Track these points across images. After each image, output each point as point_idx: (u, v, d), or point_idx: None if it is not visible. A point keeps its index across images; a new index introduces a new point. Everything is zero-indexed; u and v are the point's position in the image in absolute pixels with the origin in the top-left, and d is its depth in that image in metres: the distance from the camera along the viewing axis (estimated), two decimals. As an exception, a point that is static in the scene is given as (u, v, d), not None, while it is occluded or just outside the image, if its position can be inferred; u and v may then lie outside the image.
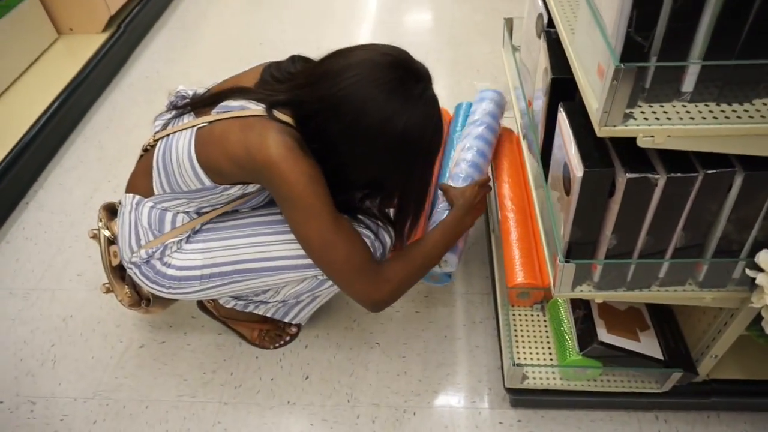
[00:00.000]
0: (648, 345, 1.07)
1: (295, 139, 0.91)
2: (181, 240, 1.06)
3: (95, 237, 1.18)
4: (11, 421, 1.26)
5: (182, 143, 0.96)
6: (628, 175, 0.72)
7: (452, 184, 1.23)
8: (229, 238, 1.06)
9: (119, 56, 2.38)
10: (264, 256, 1.06)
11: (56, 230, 1.70)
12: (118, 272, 1.19)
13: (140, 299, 1.20)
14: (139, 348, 1.39)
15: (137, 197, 1.06)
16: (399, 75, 0.89)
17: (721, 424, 1.17)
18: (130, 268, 1.09)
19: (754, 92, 0.68)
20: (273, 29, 2.62)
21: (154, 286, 1.09)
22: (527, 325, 1.24)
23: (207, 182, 0.96)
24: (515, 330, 1.23)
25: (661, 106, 0.69)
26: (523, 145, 1.17)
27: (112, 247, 1.16)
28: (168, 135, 1.00)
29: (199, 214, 1.06)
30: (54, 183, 1.87)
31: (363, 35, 2.57)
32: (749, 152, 0.69)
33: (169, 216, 1.04)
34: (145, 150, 1.09)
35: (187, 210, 1.04)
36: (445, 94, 2.13)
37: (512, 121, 1.48)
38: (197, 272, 1.06)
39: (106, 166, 1.93)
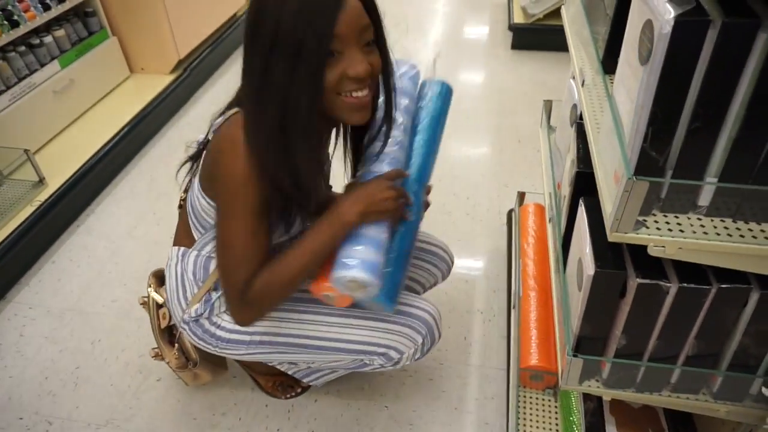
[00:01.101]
0: (661, 449, 1.03)
1: (237, 126, 0.85)
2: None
3: (145, 304, 1.22)
4: (27, 438, 1.31)
5: (196, 179, 1.00)
6: (639, 280, 0.73)
7: None
8: (283, 309, 1.07)
9: (181, 97, 2.55)
10: (317, 335, 1.07)
11: (99, 255, 1.80)
12: (167, 336, 1.22)
13: (188, 361, 1.21)
14: (156, 381, 1.43)
15: (182, 248, 1.10)
16: None
17: None
18: (180, 325, 1.12)
19: (773, 213, 0.68)
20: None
21: (202, 343, 1.11)
22: (537, 409, 1.21)
23: (213, 204, 0.97)
24: (524, 413, 1.20)
25: (676, 217, 0.69)
26: (548, 227, 1.18)
27: (162, 310, 1.19)
28: (190, 182, 1.06)
29: None
30: (105, 210, 1.99)
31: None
32: (765, 272, 0.68)
33: (213, 262, 1.07)
34: (180, 206, 1.15)
35: None
36: (490, 159, 2.16)
37: (543, 196, 1.50)
38: (246, 337, 1.08)
39: (152, 199, 2.04)
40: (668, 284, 0.72)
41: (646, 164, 0.65)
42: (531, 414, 1.20)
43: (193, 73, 2.58)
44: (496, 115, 2.48)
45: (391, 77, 0.93)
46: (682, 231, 0.68)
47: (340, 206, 0.91)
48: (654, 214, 0.70)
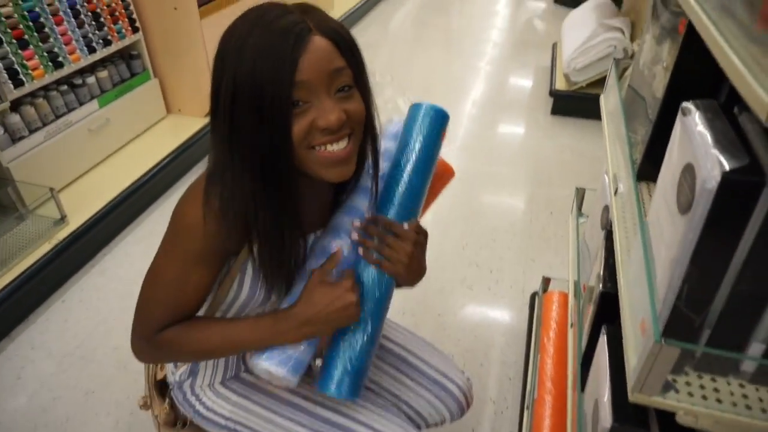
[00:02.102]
0: None
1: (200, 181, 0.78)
2: (215, 377, 1.03)
3: (144, 403, 1.16)
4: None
5: None
6: (665, 446, 0.63)
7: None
8: (265, 407, 1.00)
9: (214, 139, 2.56)
10: None
11: (109, 298, 1.78)
12: (160, 387, 1.15)
13: (176, 420, 1.14)
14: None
15: None
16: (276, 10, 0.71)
17: None
18: (170, 382, 1.07)
19: (831, 389, 0.57)
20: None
21: (182, 408, 1.06)
22: None
23: None
24: None
25: (713, 381, 0.60)
26: (570, 333, 1.08)
27: None
28: None
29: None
30: (122, 251, 1.98)
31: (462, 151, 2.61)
32: (818, 458, 0.58)
33: None
34: None
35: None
36: (519, 231, 2.07)
37: (566, 283, 1.40)
38: (222, 420, 1.02)
39: (172, 242, 2.02)
40: (699, 455, 0.62)
41: (679, 323, 0.56)
42: None
43: (228, 117, 2.60)
44: (530, 184, 2.40)
45: (372, 126, 0.82)
46: (719, 401, 0.58)
47: (290, 314, 0.81)
48: (686, 373, 0.60)
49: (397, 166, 0.85)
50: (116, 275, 1.87)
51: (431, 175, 0.88)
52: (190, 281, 0.83)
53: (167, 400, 1.12)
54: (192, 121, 2.49)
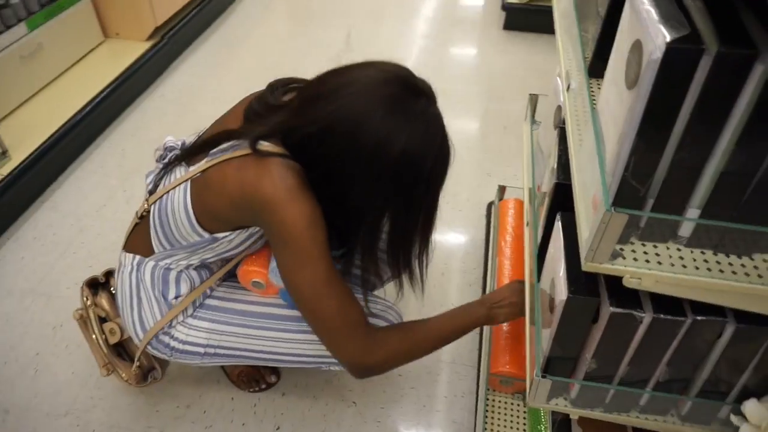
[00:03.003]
0: (627, 462, 1.02)
1: (296, 174, 0.86)
2: (184, 313, 1.05)
3: (82, 318, 1.15)
4: (-17, 426, 1.27)
5: (177, 198, 0.94)
6: (612, 309, 0.69)
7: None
8: (237, 324, 1.04)
9: (158, 66, 2.44)
10: (274, 350, 1.05)
11: (65, 234, 1.73)
12: (114, 350, 1.16)
13: (146, 374, 1.16)
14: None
15: (137, 257, 1.04)
16: (397, 90, 0.82)
17: None
18: (135, 337, 1.07)
19: (755, 246, 0.64)
20: (312, 58, 2.66)
21: (156, 352, 1.08)
22: (505, 414, 1.20)
23: (205, 235, 0.95)
24: (492, 416, 1.19)
25: (655, 247, 0.66)
26: (526, 231, 1.15)
27: (107, 325, 1.13)
28: (161, 196, 0.98)
29: (203, 265, 1.05)
30: (72, 185, 1.91)
31: (397, 75, 2.58)
32: (744, 308, 0.66)
33: (172, 275, 1.02)
34: (141, 217, 1.04)
35: (190, 263, 1.02)
36: (474, 146, 2.11)
37: (522, 191, 1.46)
38: (200, 349, 1.05)
39: (123, 175, 1.96)
40: (642, 314, 0.69)
41: (627, 193, 0.61)
42: (499, 417, 1.19)
43: (171, 41, 2.47)
44: (484, 99, 2.42)
45: None
46: (660, 263, 0.64)
47: (494, 299, 1.05)
48: (632, 242, 0.66)
49: None
50: (69, 210, 1.82)
51: None
52: (335, 270, 0.89)
53: (137, 361, 1.12)
54: (132, 45, 2.35)
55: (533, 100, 1.37)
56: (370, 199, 0.87)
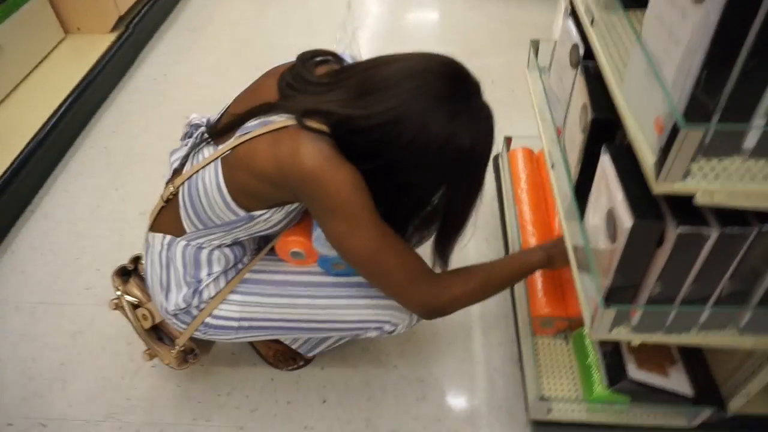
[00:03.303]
0: (677, 380, 1.06)
1: (330, 145, 0.85)
2: (217, 287, 1.03)
3: (118, 307, 1.14)
4: (22, 444, 1.23)
5: (208, 178, 0.91)
6: (680, 230, 0.71)
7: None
8: (270, 295, 1.03)
9: (127, 58, 2.33)
10: (308, 319, 1.04)
11: (63, 241, 1.67)
12: (154, 334, 1.15)
13: (188, 355, 1.16)
14: (151, 368, 1.36)
15: (168, 237, 1.00)
16: (459, 87, 0.86)
17: (743, 458, 1.17)
18: (168, 317, 1.06)
19: (816, 150, 0.66)
20: (282, 33, 2.58)
21: (190, 330, 1.06)
22: (550, 355, 1.23)
23: (241, 213, 0.92)
24: (538, 359, 1.21)
25: (720, 161, 0.67)
26: (551, 174, 1.15)
27: (140, 311, 1.11)
28: (191, 177, 0.95)
29: (236, 243, 1.02)
30: (60, 190, 1.83)
31: (374, 42, 2.54)
32: (807, 210, 0.68)
33: (204, 254, 1.00)
34: (167, 200, 1.00)
35: (223, 242, 1.00)
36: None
37: (532, 140, 1.47)
38: (234, 323, 1.03)
39: (113, 173, 1.89)
40: (709, 231, 0.71)
41: (696, 110, 0.61)
42: (544, 359, 1.22)
43: (136, 30, 2.35)
44: (464, 57, 2.36)
45: None
46: (729, 177, 0.65)
47: (549, 259, 1.05)
48: (697, 161, 0.67)
49: None
50: (62, 216, 1.74)
51: None
52: (385, 225, 0.89)
53: (176, 345, 1.12)
54: (96, 39, 2.24)
55: (535, 45, 1.36)
56: (428, 191, 0.93)
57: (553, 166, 1.16)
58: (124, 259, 1.19)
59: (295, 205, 0.95)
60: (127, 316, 1.13)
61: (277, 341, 1.32)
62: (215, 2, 2.83)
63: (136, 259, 1.19)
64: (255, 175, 0.88)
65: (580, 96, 0.97)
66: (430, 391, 1.31)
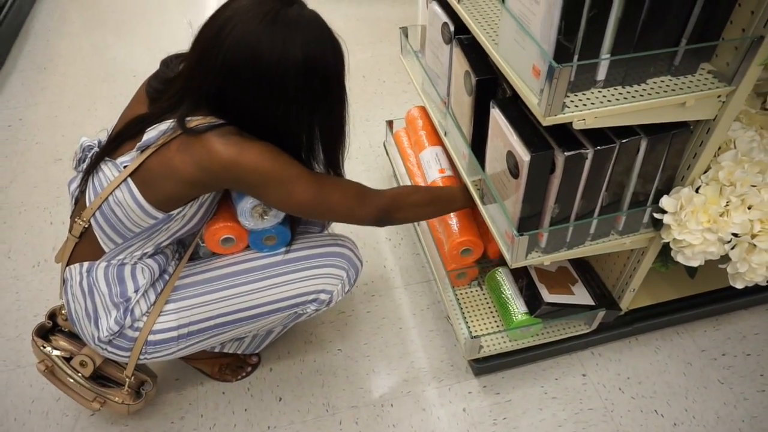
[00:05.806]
0: (581, 295, 1.26)
1: (233, 131, 0.90)
2: (146, 302, 1.02)
3: (48, 369, 1.09)
4: None
5: (122, 197, 0.92)
6: (566, 154, 0.87)
7: None
8: (204, 293, 1.04)
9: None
10: (247, 306, 1.06)
11: (-54, 313, 1.50)
12: (95, 383, 1.10)
13: (139, 387, 1.13)
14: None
15: (86, 263, 0.99)
16: (270, 6, 0.86)
17: (639, 344, 1.40)
18: (104, 348, 1.02)
19: (647, 74, 0.86)
20: (138, 59, 2.50)
21: (129, 354, 1.03)
22: (470, 301, 1.38)
23: (159, 215, 0.94)
24: (461, 308, 1.36)
25: (584, 94, 0.84)
26: (446, 141, 1.30)
27: (75, 360, 1.07)
28: (100, 205, 0.95)
29: (157, 250, 1.02)
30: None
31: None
32: (649, 121, 0.87)
33: (127, 269, 0.99)
34: (80, 236, 0.99)
35: (145, 251, 0.99)
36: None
37: (416, 110, 1.61)
38: (174, 333, 1.02)
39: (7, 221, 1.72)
40: (587, 150, 0.88)
41: (561, 53, 0.77)
42: (466, 306, 1.36)
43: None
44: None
45: None
46: (593, 104, 0.82)
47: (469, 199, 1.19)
48: (568, 96, 0.83)
49: None
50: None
51: None
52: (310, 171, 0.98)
53: (128, 379, 1.10)
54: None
55: (405, 31, 1.50)
56: (299, 118, 0.94)
57: (446, 134, 1.31)
58: (29, 318, 1.13)
59: (207, 195, 0.98)
60: (59, 376, 1.08)
61: (221, 354, 1.32)
62: (53, 39, 2.65)
63: (53, 315, 1.14)
64: (180, 181, 0.91)
65: (461, 65, 1.11)
66: (377, 363, 1.40)
